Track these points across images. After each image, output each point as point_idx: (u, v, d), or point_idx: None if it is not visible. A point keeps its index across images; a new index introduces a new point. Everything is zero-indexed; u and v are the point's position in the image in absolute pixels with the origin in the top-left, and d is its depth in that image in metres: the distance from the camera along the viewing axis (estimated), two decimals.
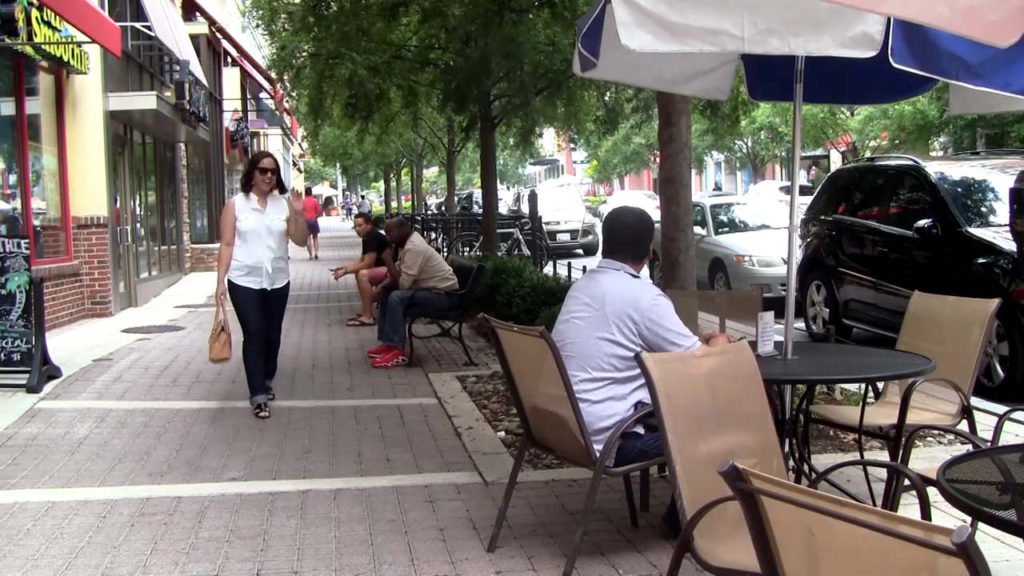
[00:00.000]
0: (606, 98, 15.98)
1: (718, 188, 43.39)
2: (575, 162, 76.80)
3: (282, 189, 7.59)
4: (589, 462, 4.14)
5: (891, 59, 3.79)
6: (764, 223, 15.21)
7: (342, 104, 14.28)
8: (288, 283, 7.67)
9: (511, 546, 4.51)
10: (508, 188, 53.61)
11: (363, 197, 63.72)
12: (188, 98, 16.87)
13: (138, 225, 16.51)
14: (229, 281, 7.33)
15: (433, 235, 25.98)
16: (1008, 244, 8.01)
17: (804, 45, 3.90)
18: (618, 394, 4.21)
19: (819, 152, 39.11)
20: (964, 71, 3.88)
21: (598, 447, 4.15)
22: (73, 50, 12.02)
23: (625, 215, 4.59)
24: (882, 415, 4.96)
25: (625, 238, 4.47)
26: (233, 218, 7.30)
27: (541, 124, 17.84)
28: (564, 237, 26.01)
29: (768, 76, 5.38)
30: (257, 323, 7.38)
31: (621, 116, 16.09)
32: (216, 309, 7.48)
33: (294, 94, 18.21)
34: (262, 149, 37.61)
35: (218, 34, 24.15)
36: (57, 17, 10.80)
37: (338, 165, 49.22)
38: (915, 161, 10.12)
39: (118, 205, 14.55)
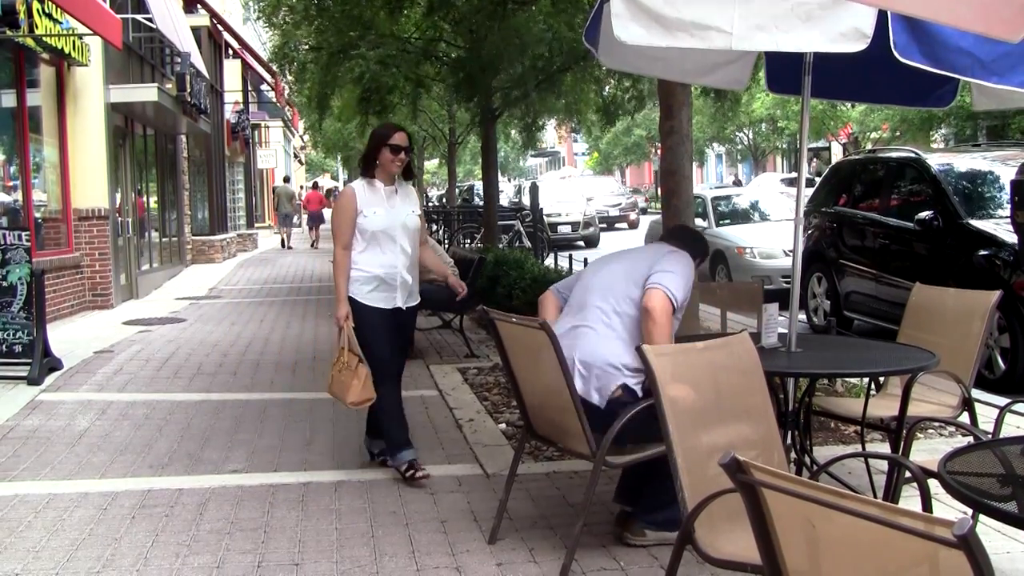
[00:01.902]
0: (605, 92, 15.94)
1: (738, 182, 42.98)
2: (576, 154, 76.73)
3: (409, 174, 5.74)
4: (589, 454, 4.10)
5: (895, 52, 3.77)
6: (765, 215, 15.20)
7: (355, 100, 14.25)
8: (419, 300, 5.80)
9: (512, 538, 4.51)
10: (509, 180, 53.55)
11: None
12: (189, 90, 16.85)
13: (139, 216, 16.51)
14: (351, 299, 5.55)
15: (434, 227, 25.99)
16: (1009, 236, 7.99)
17: (793, 41, 3.87)
18: (626, 340, 4.38)
19: (820, 144, 39.03)
20: (978, 68, 3.86)
21: (596, 389, 4.28)
22: (74, 42, 12.00)
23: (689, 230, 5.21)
24: (883, 407, 4.95)
25: (686, 238, 4.89)
26: (354, 213, 5.41)
27: (542, 117, 17.81)
28: (565, 229, 26.04)
29: (788, 69, 5.32)
30: (391, 354, 5.59)
31: (622, 109, 16.07)
32: (339, 335, 5.63)
33: (296, 89, 18.18)
34: (262, 141, 37.62)
35: (219, 26, 24.11)
36: (58, 9, 10.78)
37: (339, 157, 49.20)
38: (916, 153, 10.10)
39: (119, 197, 14.55)
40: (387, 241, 5.44)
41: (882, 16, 3.79)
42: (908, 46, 3.80)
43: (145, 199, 17.28)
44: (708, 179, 57.75)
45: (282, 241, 29.85)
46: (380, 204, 5.44)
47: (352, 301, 5.50)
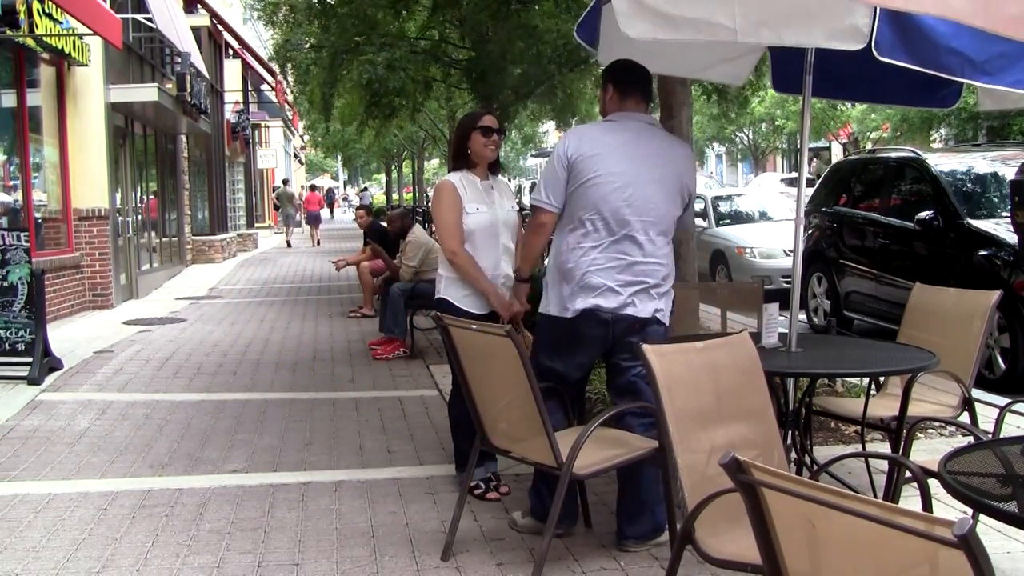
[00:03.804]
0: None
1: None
2: None
3: (497, 167, 5.25)
4: (555, 465, 3.93)
5: (875, 51, 3.78)
6: (765, 215, 15.21)
7: (363, 105, 14.26)
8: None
9: (511, 538, 4.51)
10: (510, 180, 53.58)
11: (364, 189, 63.77)
12: (189, 90, 16.85)
13: (139, 217, 16.52)
14: (445, 301, 4.98)
15: (435, 227, 26.00)
16: (1009, 236, 8.00)
17: (794, 37, 3.88)
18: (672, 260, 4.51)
19: (820, 144, 39.01)
20: (969, 68, 3.86)
21: (661, 306, 4.38)
22: (74, 42, 12.01)
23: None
24: (883, 407, 4.95)
25: (647, 80, 4.62)
26: (460, 208, 4.94)
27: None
28: None
29: (793, 68, 5.28)
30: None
31: None
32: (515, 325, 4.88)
33: (298, 92, 18.19)
34: (262, 141, 37.63)
35: (219, 26, 24.11)
36: (58, 9, 10.78)
37: (339, 157, 49.27)
38: (916, 153, 10.11)
39: (119, 197, 14.56)
40: (490, 240, 4.98)
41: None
42: (892, 45, 3.79)
43: (145, 198, 17.28)
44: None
45: (288, 241, 30.96)
46: (481, 200, 4.99)
47: (447, 304, 4.95)
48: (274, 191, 38.02)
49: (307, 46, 14.87)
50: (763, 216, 15.23)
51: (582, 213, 4.32)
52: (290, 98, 28.07)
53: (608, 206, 4.28)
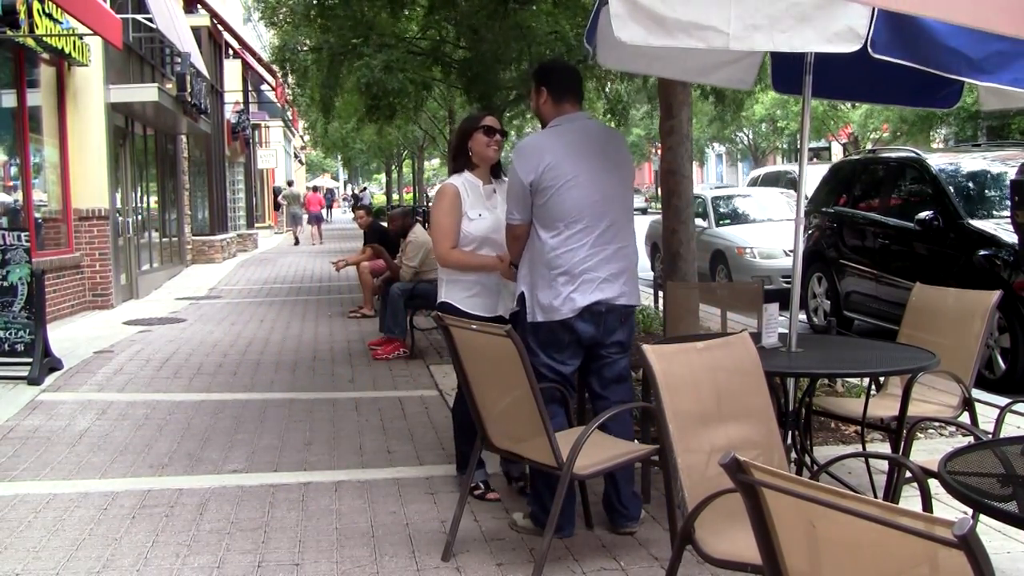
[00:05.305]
0: (607, 91, 15.94)
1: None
2: None
3: (498, 170, 5.15)
4: (555, 465, 3.94)
5: (870, 50, 3.77)
6: (765, 215, 15.20)
7: (363, 108, 14.26)
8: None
9: (511, 538, 4.51)
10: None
11: (364, 189, 63.78)
12: (189, 90, 16.85)
13: (139, 217, 16.52)
14: (448, 304, 4.94)
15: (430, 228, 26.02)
16: (1009, 236, 8.00)
17: (788, 41, 3.87)
18: None
19: (820, 144, 39.02)
20: (967, 66, 3.86)
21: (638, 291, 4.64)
22: (74, 42, 12.01)
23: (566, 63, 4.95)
24: (883, 407, 4.95)
25: (579, 80, 4.77)
26: (460, 214, 4.90)
27: None
28: None
29: (793, 69, 5.27)
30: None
31: (630, 107, 16.06)
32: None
33: (299, 93, 18.16)
34: (262, 141, 37.66)
35: (219, 26, 24.11)
36: (58, 9, 10.78)
37: (339, 157, 49.28)
38: (916, 153, 10.11)
39: (120, 197, 14.56)
40: (492, 246, 4.91)
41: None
42: (888, 43, 3.79)
43: (145, 199, 17.28)
44: (708, 179, 57.70)
45: (296, 238, 32.10)
46: (482, 206, 4.94)
47: (451, 307, 4.90)
48: (276, 192, 38.18)
49: (306, 48, 14.86)
50: (763, 216, 15.21)
51: (564, 218, 4.43)
52: (291, 98, 28.14)
53: (585, 205, 4.44)
